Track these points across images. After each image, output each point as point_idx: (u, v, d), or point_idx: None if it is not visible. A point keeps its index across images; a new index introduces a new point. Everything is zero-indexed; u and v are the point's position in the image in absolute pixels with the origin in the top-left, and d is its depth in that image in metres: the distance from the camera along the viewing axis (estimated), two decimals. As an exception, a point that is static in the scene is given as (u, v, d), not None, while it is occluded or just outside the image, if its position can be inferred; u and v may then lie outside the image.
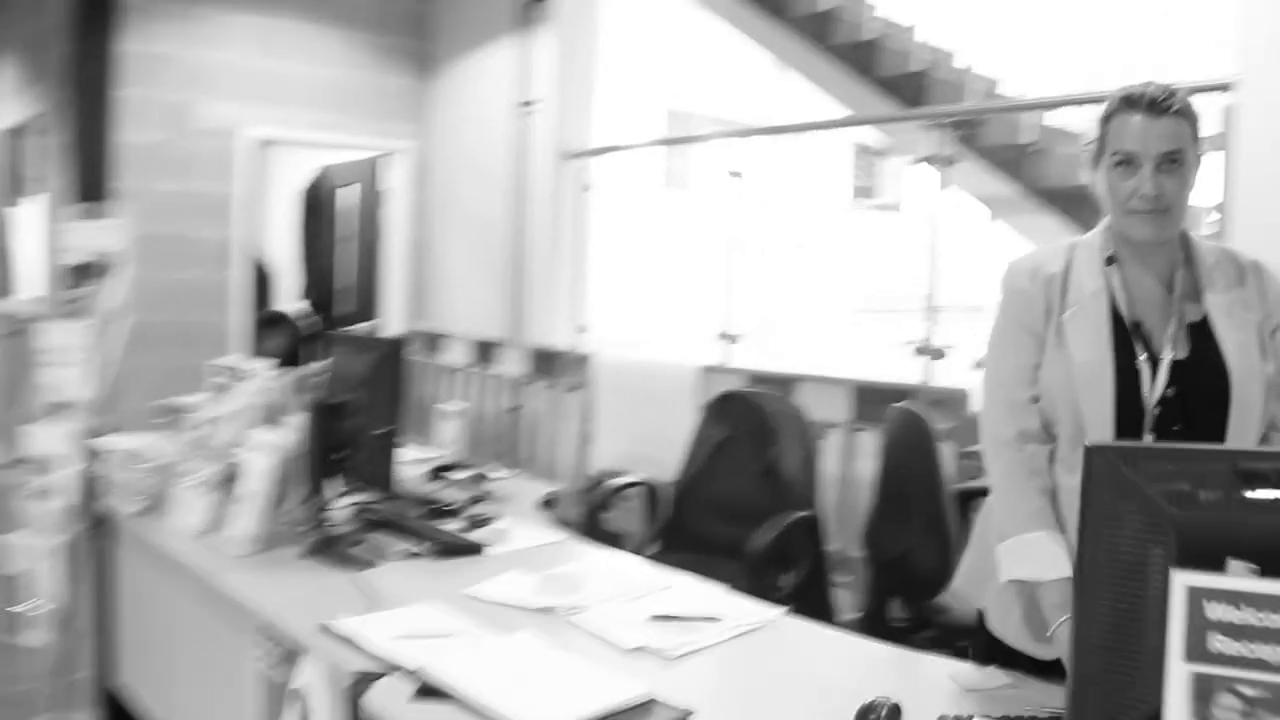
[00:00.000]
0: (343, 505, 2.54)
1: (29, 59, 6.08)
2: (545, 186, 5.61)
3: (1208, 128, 1.78)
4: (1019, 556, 1.70)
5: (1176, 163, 1.67)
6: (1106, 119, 1.74)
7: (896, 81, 5.09)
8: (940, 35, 6.13)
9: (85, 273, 3.35)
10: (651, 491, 3.53)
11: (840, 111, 5.75)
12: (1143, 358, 1.69)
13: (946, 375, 3.97)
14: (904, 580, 2.88)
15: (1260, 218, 3.06)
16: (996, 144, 4.68)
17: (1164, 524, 1.05)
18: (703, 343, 4.95)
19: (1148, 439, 1.67)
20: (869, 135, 15.80)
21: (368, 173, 6.95)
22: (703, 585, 2.25)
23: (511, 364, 5.51)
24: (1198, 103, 1.73)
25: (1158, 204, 1.66)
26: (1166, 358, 1.69)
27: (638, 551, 3.11)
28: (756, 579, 2.95)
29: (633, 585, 2.26)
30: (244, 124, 5.80)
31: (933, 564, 2.76)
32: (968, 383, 3.65)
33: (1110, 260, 1.77)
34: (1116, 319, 1.73)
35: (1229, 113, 3.30)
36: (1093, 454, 1.12)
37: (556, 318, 5.66)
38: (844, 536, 3.58)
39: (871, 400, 3.87)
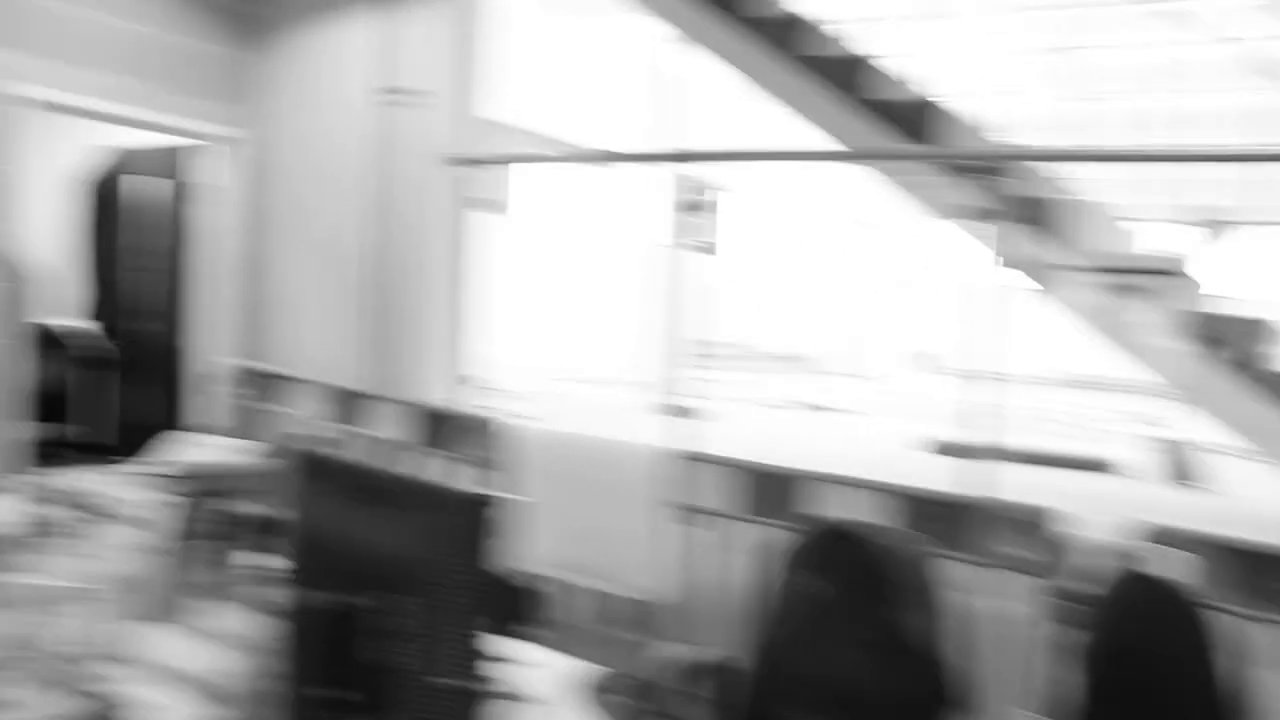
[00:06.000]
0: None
1: None
2: (417, 197, 4.51)
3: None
4: None
5: None
6: None
7: (891, 109, 4.18)
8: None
9: None
10: (725, 669, 2.44)
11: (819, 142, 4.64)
12: None
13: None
14: None
15: None
16: (1024, 197, 3.85)
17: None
18: (645, 411, 3.90)
19: None
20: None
21: (172, 163, 5.51)
22: None
23: (387, 425, 4.27)
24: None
25: None
26: None
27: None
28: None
29: None
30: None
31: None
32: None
33: None
34: None
35: None
36: None
37: (432, 366, 4.50)
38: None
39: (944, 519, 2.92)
